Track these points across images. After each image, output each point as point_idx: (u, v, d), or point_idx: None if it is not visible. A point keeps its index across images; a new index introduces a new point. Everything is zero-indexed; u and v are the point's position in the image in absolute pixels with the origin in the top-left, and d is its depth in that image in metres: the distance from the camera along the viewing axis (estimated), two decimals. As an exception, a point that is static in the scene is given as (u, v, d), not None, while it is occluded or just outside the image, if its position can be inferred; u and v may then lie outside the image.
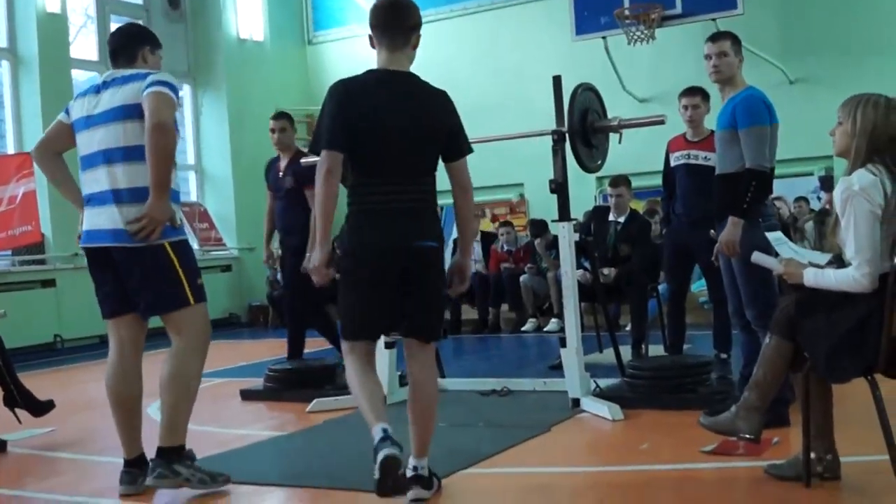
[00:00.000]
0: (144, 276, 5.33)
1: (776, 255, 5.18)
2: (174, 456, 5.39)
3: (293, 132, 9.31)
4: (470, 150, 5.16)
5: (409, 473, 4.94)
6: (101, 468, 6.45)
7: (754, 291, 6.10)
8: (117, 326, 5.57)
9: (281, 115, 9.33)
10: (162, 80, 5.34)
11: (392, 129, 4.95)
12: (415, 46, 5.18)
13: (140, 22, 17.20)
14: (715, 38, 6.57)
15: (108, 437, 7.25)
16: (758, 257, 5.13)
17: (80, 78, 16.95)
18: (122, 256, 5.32)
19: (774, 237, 5.33)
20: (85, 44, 17.13)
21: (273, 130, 9.13)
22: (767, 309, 5.84)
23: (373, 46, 5.19)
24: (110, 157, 5.37)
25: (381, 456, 4.52)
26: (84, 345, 15.01)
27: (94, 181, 5.44)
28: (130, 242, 5.24)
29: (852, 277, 4.43)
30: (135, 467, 5.52)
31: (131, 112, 5.32)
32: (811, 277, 4.59)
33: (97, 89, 5.52)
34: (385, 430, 4.66)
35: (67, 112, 5.76)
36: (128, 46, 5.66)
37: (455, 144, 5.10)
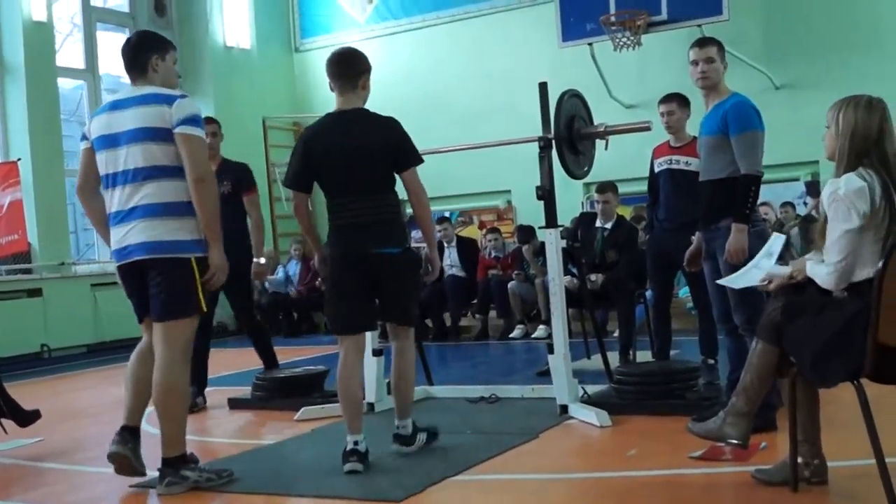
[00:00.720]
0: (169, 284, 5.64)
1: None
2: (180, 463, 5.72)
3: (222, 137, 9.08)
4: (418, 162, 6.17)
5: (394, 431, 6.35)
6: (88, 478, 6.44)
7: (742, 296, 6.11)
8: (149, 329, 5.87)
9: (213, 120, 8.84)
10: (190, 116, 5.64)
11: (344, 157, 6.07)
12: (364, 87, 6.24)
13: (127, 31, 17.30)
14: (702, 43, 6.58)
15: (95, 447, 7.26)
16: (765, 272, 5.09)
17: (67, 86, 17.00)
18: (150, 265, 5.64)
19: (777, 239, 5.33)
20: (71, 52, 17.12)
21: (215, 135, 8.75)
22: (755, 314, 5.81)
23: (332, 90, 6.29)
24: (137, 175, 5.62)
25: (345, 468, 5.91)
26: (71, 354, 15.02)
27: (120, 199, 5.68)
28: (164, 253, 5.61)
29: (825, 272, 4.51)
30: (127, 433, 5.87)
31: (154, 135, 5.59)
32: (809, 269, 4.63)
33: (112, 107, 5.75)
34: (356, 443, 5.98)
35: (86, 137, 5.95)
36: (136, 59, 5.84)
37: (403, 158, 6.12)
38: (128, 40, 5.98)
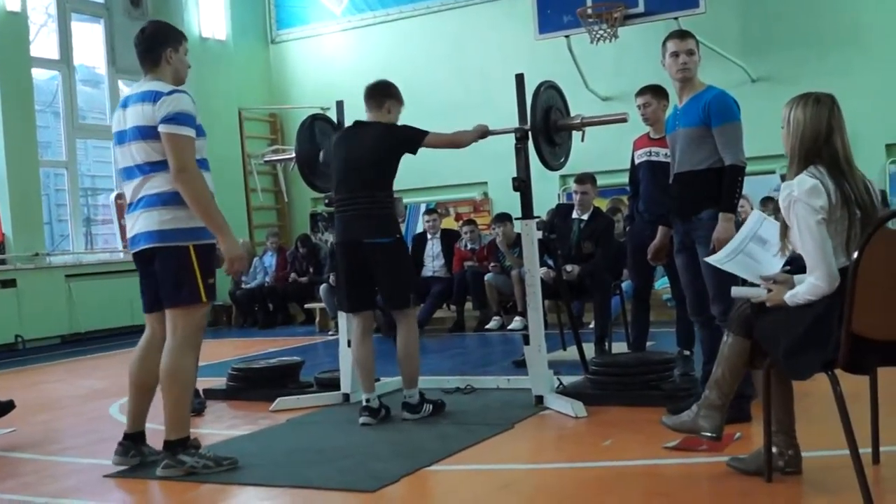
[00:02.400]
0: (167, 272, 5.82)
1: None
2: (179, 447, 5.79)
3: None
4: (422, 135, 7.08)
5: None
6: (61, 468, 6.41)
7: (721, 287, 6.12)
8: (153, 320, 6.09)
9: None
10: (171, 114, 5.72)
11: (345, 160, 7.14)
12: (389, 110, 7.22)
13: (102, 21, 17.25)
14: (682, 35, 6.60)
15: (68, 438, 7.26)
16: (738, 291, 5.05)
17: (41, 77, 16.91)
18: (154, 254, 5.84)
19: (756, 217, 5.31)
20: (46, 43, 17.03)
21: None
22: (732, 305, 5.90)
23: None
24: (141, 170, 5.83)
25: (359, 421, 6.94)
26: (45, 345, 15.01)
27: (132, 191, 5.90)
28: (160, 242, 5.79)
29: (813, 285, 4.44)
30: (129, 441, 6.06)
31: (146, 133, 5.76)
32: (789, 299, 4.57)
33: (122, 104, 5.97)
34: (367, 400, 7.03)
35: None
36: (151, 51, 6.01)
37: (408, 144, 7.13)
38: (142, 30, 6.10)
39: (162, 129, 5.68)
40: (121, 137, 5.91)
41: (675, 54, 6.47)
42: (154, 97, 5.74)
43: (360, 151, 7.05)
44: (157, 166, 5.77)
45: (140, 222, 5.84)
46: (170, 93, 5.78)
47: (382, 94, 7.23)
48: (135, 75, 17.96)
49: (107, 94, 17.97)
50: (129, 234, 6.02)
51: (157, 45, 5.98)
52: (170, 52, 5.97)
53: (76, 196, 17.34)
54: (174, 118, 5.70)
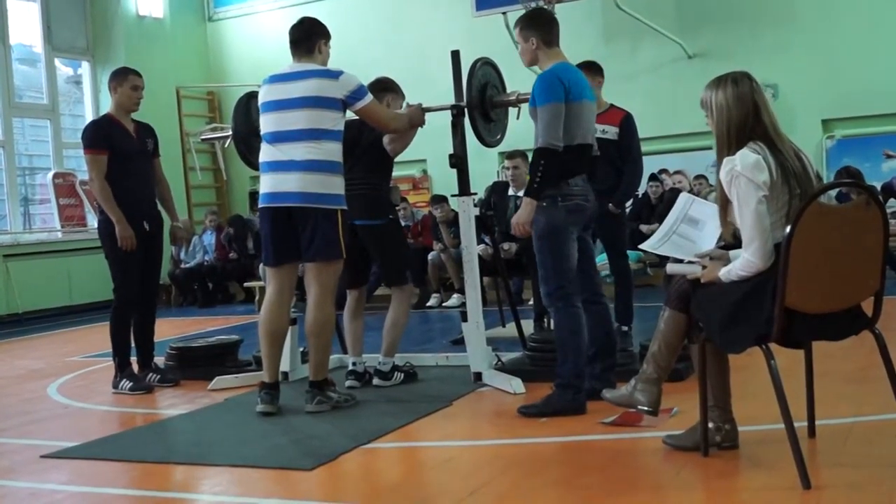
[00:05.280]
0: (318, 230, 6.56)
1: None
2: (325, 386, 6.76)
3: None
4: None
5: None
6: (6, 448, 6.35)
7: (547, 270, 6.18)
8: (280, 273, 6.82)
9: (139, 74, 8.48)
10: (365, 89, 6.81)
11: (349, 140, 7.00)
12: (388, 104, 7.49)
13: (38, 0, 17.05)
14: (516, 24, 6.57)
15: (4, 418, 7.18)
16: (673, 268, 5.05)
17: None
18: (305, 214, 6.57)
19: (685, 199, 5.32)
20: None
21: (139, 88, 8.37)
22: (557, 289, 6.14)
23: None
24: (302, 135, 6.56)
25: (345, 384, 7.37)
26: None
27: (284, 152, 6.60)
28: (317, 203, 6.55)
29: (747, 261, 4.44)
30: (273, 389, 6.74)
31: (321, 102, 6.58)
32: (724, 275, 4.59)
33: (281, 79, 6.73)
34: (353, 364, 7.56)
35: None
36: (309, 38, 6.82)
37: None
38: (301, 22, 6.92)
39: (363, 103, 6.71)
40: (278, 105, 6.64)
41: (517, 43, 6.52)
42: (335, 74, 6.65)
43: (360, 137, 7.37)
44: (318, 134, 6.56)
45: (295, 182, 6.54)
46: (350, 76, 6.70)
47: (377, 88, 7.47)
48: (71, 54, 18.00)
49: (43, 73, 17.81)
50: (271, 190, 6.65)
51: (314, 35, 6.82)
52: (322, 44, 6.84)
53: (13, 175, 17.17)
54: (368, 91, 6.81)
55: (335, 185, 6.63)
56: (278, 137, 6.62)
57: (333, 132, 6.62)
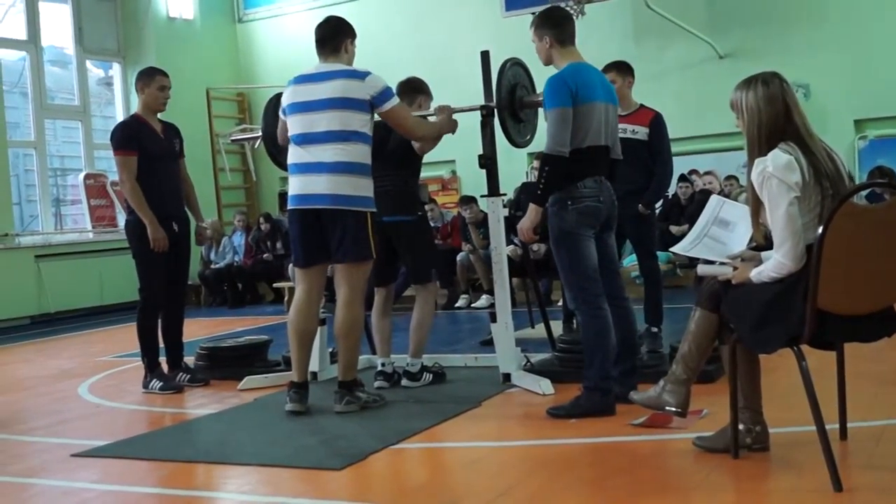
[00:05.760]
0: (348, 231, 6.56)
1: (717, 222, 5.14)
2: (354, 386, 6.73)
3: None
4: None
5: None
6: (28, 448, 6.42)
7: (567, 274, 6.20)
8: (309, 274, 6.81)
9: (166, 74, 8.46)
10: (392, 91, 6.78)
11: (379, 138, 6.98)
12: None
13: (69, 2, 17.12)
14: (532, 24, 6.64)
15: (34, 418, 7.23)
16: (704, 269, 5.01)
17: (9, 58, 16.82)
18: (334, 215, 6.57)
19: (716, 201, 5.28)
20: (14, 23, 16.88)
21: (167, 88, 8.35)
22: (580, 291, 6.12)
23: None
24: (331, 137, 6.55)
25: (374, 385, 7.26)
26: (14, 325, 14.94)
27: (312, 154, 6.59)
28: (347, 206, 6.54)
29: (779, 262, 4.41)
30: (302, 389, 6.76)
31: (349, 104, 6.55)
32: (755, 277, 4.56)
33: (308, 79, 6.71)
34: (382, 364, 7.52)
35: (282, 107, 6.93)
36: (335, 37, 6.78)
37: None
38: (327, 20, 6.88)
39: (389, 105, 6.66)
40: (306, 107, 6.62)
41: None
42: (361, 75, 6.61)
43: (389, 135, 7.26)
44: (348, 136, 6.53)
45: (325, 184, 6.52)
46: (369, 73, 6.66)
47: (405, 87, 7.62)
48: (102, 56, 18.06)
49: (74, 75, 17.86)
50: (300, 192, 6.64)
51: (341, 34, 6.79)
52: (349, 43, 6.81)
53: (45, 176, 17.25)
54: (394, 94, 6.79)
55: (365, 187, 6.62)
56: (307, 139, 6.60)
57: (362, 134, 6.58)
